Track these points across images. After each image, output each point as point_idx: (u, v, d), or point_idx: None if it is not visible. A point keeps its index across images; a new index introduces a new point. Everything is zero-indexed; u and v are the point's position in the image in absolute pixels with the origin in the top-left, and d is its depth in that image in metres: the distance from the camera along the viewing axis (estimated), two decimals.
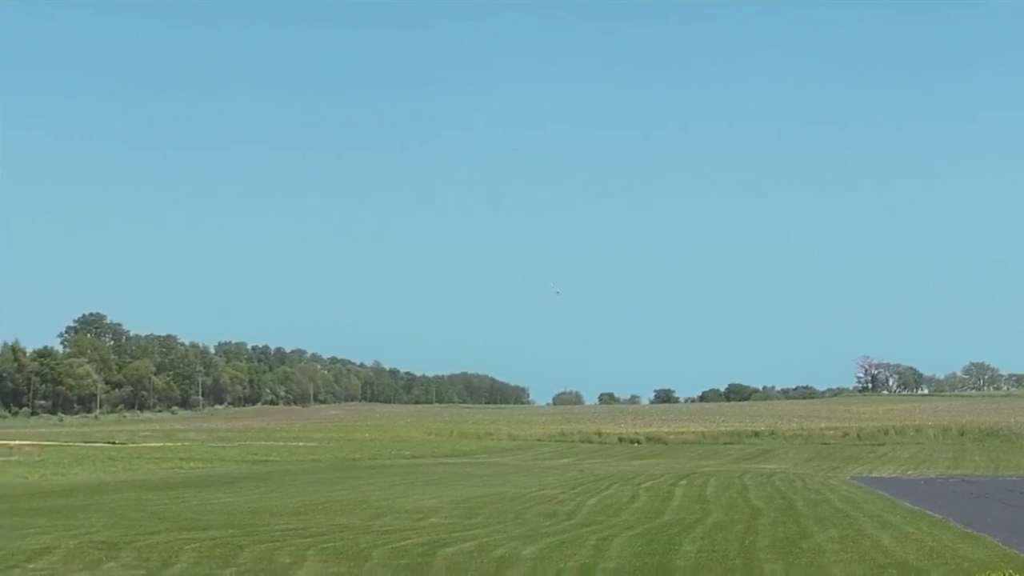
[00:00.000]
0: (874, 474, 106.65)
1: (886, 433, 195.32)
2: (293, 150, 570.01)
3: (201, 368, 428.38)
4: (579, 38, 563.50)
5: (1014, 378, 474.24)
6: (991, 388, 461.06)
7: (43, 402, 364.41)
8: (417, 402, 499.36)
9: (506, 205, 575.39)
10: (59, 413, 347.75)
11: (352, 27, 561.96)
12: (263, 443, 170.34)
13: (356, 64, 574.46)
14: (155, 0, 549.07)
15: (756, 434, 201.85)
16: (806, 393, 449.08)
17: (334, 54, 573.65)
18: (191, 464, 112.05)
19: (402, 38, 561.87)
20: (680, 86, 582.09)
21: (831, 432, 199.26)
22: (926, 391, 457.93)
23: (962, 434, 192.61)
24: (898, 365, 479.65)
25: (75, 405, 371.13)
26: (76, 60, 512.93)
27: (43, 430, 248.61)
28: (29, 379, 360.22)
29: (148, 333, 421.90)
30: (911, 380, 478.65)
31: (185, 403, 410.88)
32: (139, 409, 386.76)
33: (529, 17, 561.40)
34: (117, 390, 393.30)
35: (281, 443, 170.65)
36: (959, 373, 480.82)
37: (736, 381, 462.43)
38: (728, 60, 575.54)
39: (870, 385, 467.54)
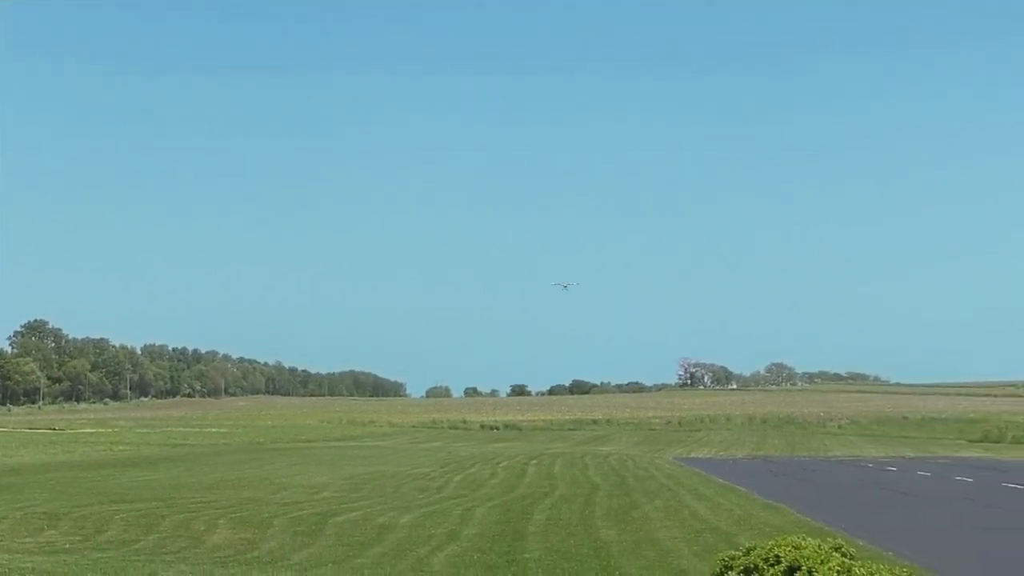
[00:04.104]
0: (692, 455, 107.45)
1: (702, 421, 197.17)
2: (208, 175, 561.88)
3: (129, 366, 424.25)
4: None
5: (807, 376, 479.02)
6: (788, 384, 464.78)
7: None
8: (312, 395, 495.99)
9: (392, 216, 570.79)
10: (7, 404, 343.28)
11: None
12: (181, 429, 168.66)
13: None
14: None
15: (595, 422, 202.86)
16: (636, 388, 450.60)
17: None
18: (120, 447, 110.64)
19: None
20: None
21: (657, 420, 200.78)
22: (735, 386, 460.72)
23: (764, 422, 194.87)
24: (712, 364, 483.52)
25: (21, 397, 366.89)
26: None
27: None
28: None
29: (84, 336, 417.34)
30: (722, 377, 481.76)
31: (115, 396, 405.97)
32: (76, 401, 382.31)
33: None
34: (57, 385, 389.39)
35: (197, 429, 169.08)
36: (762, 371, 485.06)
37: (579, 378, 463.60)
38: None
39: (689, 381, 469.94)
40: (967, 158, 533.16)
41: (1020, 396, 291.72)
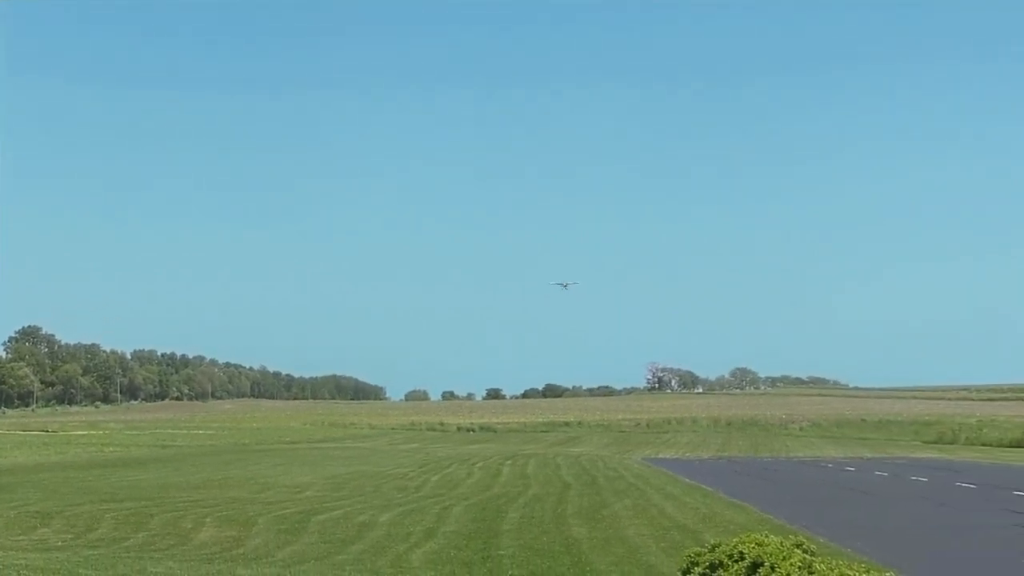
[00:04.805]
0: (660, 456, 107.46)
1: (669, 423, 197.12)
2: (195, 187, 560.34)
3: (119, 371, 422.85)
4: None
5: (770, 380, 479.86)
6: (752, 388, 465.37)
7: None
8: (295, 398, 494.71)
9: (372, 229, 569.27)
10: (1, 407, 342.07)
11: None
12: (170, 431, 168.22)
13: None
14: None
15: (567, 424, 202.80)
16: (606, 391, 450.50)
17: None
18: (111, 448, 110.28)
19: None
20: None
21: (626, 422, 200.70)
22: (700, 390, 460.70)
23: (728, 424, 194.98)
24: (679, 369, 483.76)
25: (15, 400, 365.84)
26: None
27: None
28: None
29: (76, 342, 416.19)
30: (689, 381, 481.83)
31: (106, 399, 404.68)
32: (68, 404, 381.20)
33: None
34: (50, 388, 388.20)
35: (184, 431, 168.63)
36: (727, 376, 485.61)
37: (551, 382, 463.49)
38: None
39: (657, 385, 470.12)
40: (919, 174, 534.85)
41: (972, 400, 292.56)
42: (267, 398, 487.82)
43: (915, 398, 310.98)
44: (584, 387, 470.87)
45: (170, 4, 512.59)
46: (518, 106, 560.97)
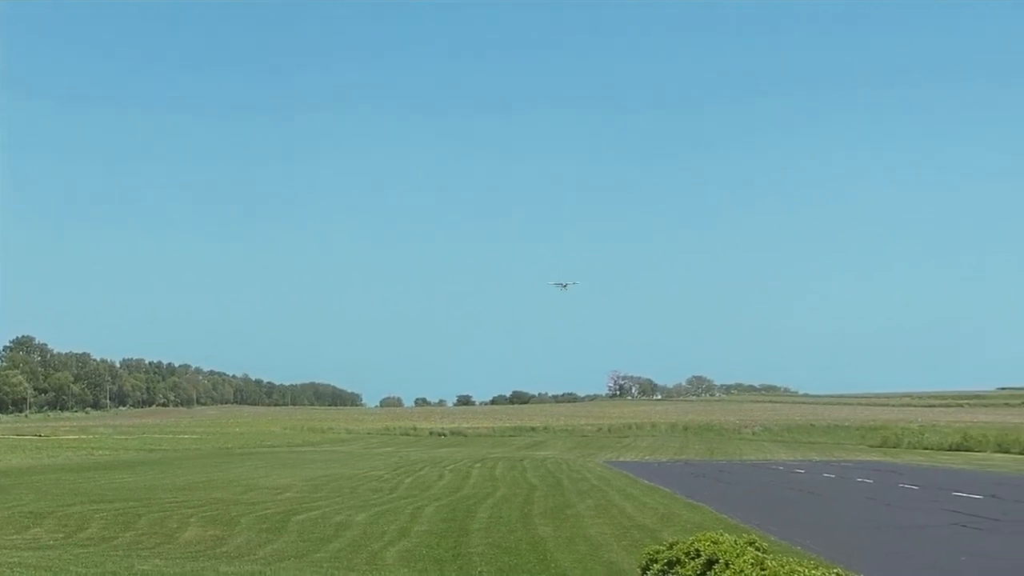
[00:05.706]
0: (621, 459, 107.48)
1: (630, 428, 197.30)
2: (182, 205, 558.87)
3: (109, 378, 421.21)
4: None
5: (724, 387, 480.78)
6: (708, 395, 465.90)
7: None
8: (276, 405, 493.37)
9: (351, 244, 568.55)
10: None
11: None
12: (156, 436, 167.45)
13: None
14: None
15: (533, 429, 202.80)
16: (570, 398, 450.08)
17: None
18: (100, 452, 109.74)
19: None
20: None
21: (589, 427, 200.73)
22: (659, 397, 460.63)
23: (686, 429, 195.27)
24: (639, 377, 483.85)
25: (9, 407, 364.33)
26: None
27: None
28: None
29: (68, 351, 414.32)
30: (648, 388, 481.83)
31: (96, 405, 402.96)
32: (60, 410, 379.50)
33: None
34: (43, 395, 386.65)
35: (170, 436, 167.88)
36: (684, 383, 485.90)
37: (518, 388, 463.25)
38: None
39: (618, 392, 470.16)
40: (867, 190, 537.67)
41: (914, 406, 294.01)
42: (249, 404, 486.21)
43: (861, 404, 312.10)
44: (549, 394, 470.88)
45: (164, 25, 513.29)
46: (488, 125, 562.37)
